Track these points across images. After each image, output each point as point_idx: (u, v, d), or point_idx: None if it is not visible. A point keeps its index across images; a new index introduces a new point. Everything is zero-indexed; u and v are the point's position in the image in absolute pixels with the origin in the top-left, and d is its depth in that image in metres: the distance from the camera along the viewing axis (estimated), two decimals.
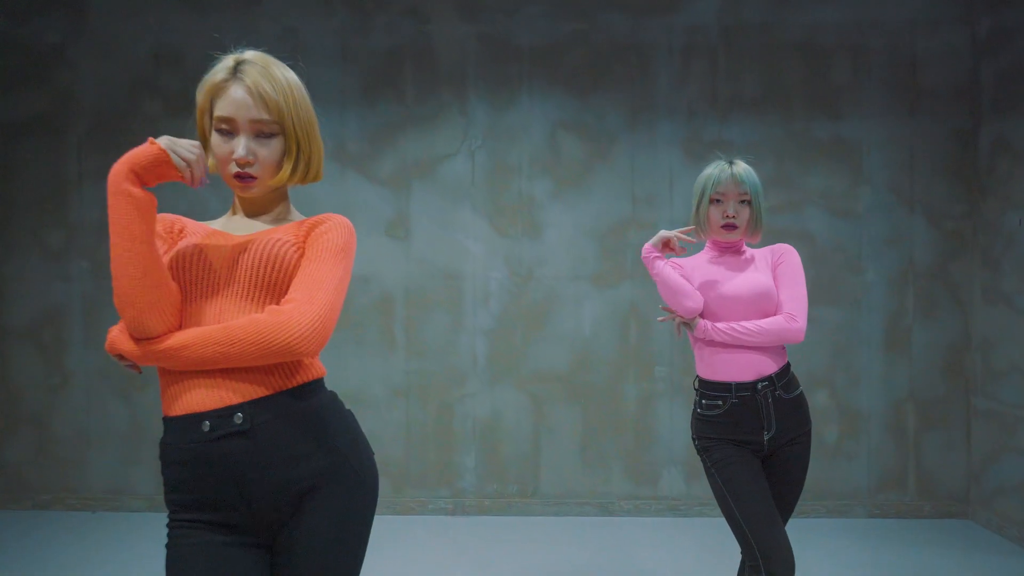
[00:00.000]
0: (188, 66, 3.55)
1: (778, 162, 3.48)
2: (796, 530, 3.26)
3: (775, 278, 1.93)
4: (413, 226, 3.53)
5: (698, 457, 1.97)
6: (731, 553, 2.71)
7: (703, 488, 3.43)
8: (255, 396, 1.11)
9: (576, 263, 3.52)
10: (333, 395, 1.23)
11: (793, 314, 1.87)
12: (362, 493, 1.19)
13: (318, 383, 1.20)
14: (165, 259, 1.16)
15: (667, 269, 1.90)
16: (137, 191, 1.06)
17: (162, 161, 1.07)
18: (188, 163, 1.10)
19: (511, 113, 3.53)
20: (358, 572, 1.21)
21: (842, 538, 3.20)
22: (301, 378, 1.16)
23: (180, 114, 3.53)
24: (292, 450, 1.12)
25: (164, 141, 1.09)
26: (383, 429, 3.48)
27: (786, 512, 1.94)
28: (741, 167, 1.91)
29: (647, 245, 1.93)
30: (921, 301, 3.48)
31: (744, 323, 1.85)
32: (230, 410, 1.09)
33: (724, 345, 1.87)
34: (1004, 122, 3.26)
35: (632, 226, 3.49)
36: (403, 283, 3.52)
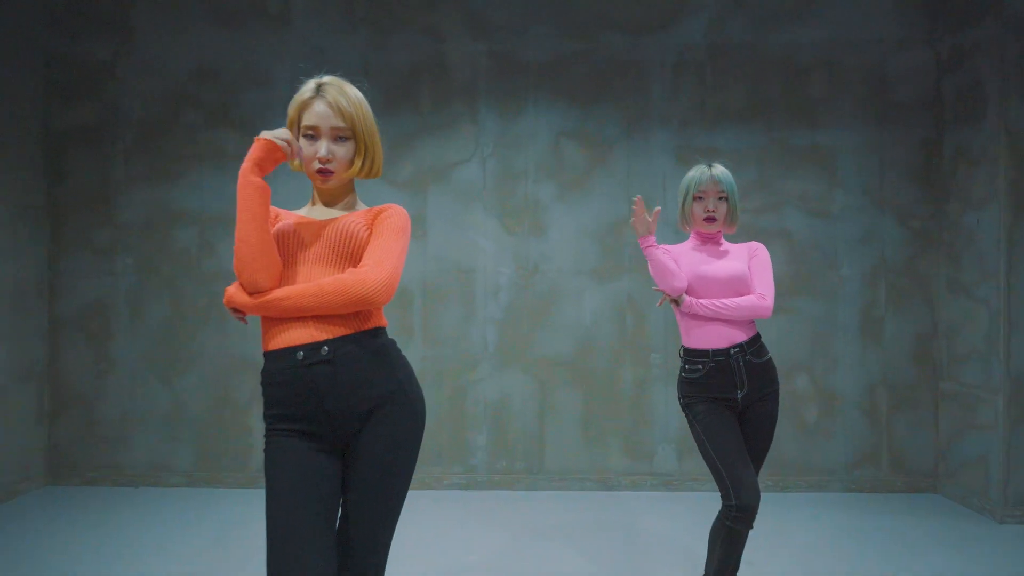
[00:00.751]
0: (225, 81, 3.89)
1: (760, 167, 3.83)
2: (778, 504, 3.58)
3: (749, 268, 2.28)
4: (429, 226, 3.87)
5: (690, 435, 2.32)
6: None
7: (694, 464, 3.75)
8: (337, 335, 1.45)
9: (577, 259, 3.86)
10: (393, 341, 1.58)
11: (763, 294, 2.23)
12: (414, 415, 1.53)
13: (383, 329, 1.54)
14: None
15: (660, 255, 2.25)
16: (259, 181, 1.42)
17: (272, 148, 1.44)
18: (287, 141, 1.47)
19: (518, 123, 3.88)
20: (410, 477, 1.54)
21: (821, 511, 3.49)
22: (372, 324, 1.51)
23: (218, 124, 3.88)
24: (363, 377, 1.46)
25: (265, 134, 1.45)
26: None
27: (758, 460, 2.28)
28: (719, 169, 2.27)
29: (640, 238, 2.28)
30: (892, 294, 3.82)
31: (723, 300, 2.20)
32: (318, 344, 1.44)
33: (703, 319, 2.22)
34: (963, 132, 3.61)
35: (629, 225, 3.82)
36: (420, 278, 3.85)
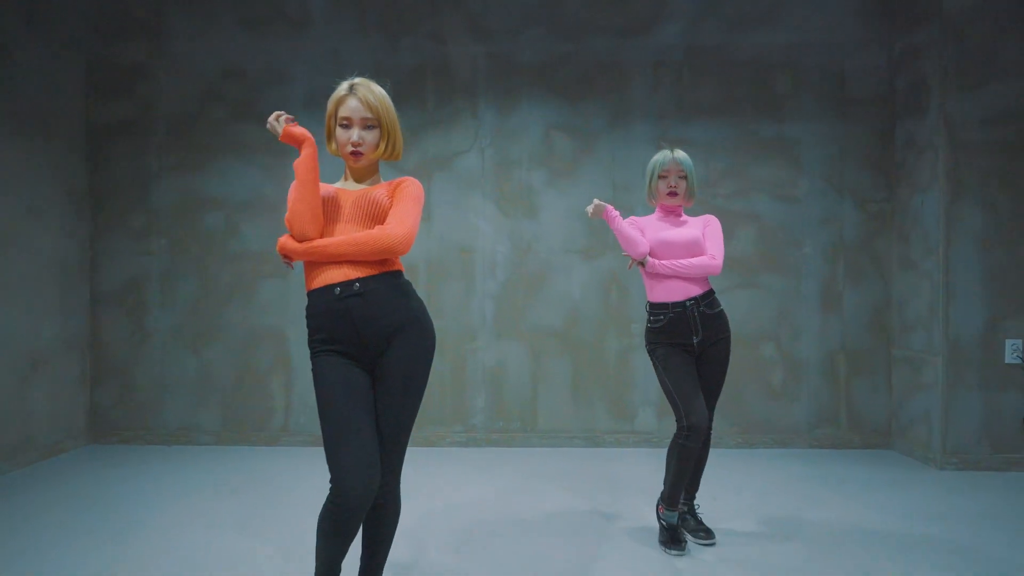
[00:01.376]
0: (249, 80, 4.30)
1: (731, 157, 4.24)
2: (746, 459, 3.98)
3: (704, 235, 2.71)
4: (433, 209, 4.28)
5: (667, 402, 2.74)
6: None
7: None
8: (366, 274, 1.86)
9: (567, 239, 4.27)
10: (409, 281, 1.98)
11: (714, 255, 2.65)
12: (427, 338, 1.94)
13: (401, 272, 1.95)
14: None
15: (623, 226, 2.67)
16: (311, 156, 1.84)
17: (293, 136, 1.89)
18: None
19: (513, 117, 4.29)
20: (424, 387, 1.95)
21: (786, 465, 3.85)
22: (393, 267, 1.92)
23: (242, 119, 4.29)
24: (386, 307, 1.87)
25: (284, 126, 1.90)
26: None
27: (713, 396, 2.70)
28: (679, 152, 2.70)
29: (606, 212, 2.69)
30: (849, 269, 4.23)
31: (680, 260, 2.62)
32: (352, 282, 1.85)
33: (664, 277, 2.64)
34: (911, 124, 4.03)
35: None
36: (425, 256, 4.26)
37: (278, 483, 3.50)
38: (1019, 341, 3.71)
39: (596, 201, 2.69)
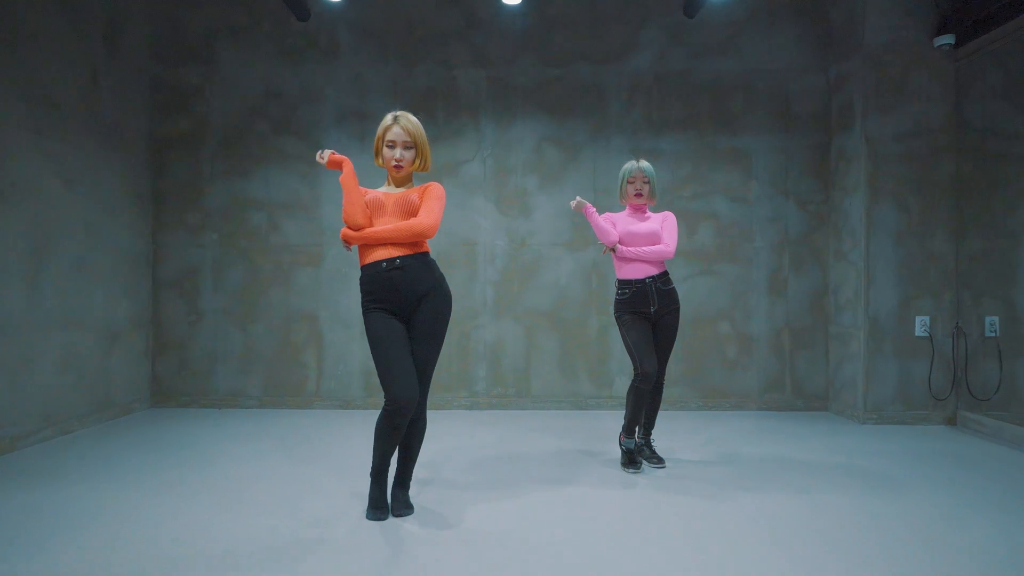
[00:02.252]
0: (287, 100, 5.08)
1: (694, 165, 5.02)
2: (706, 419, 4.75)
3: (662, 228, 3.48)
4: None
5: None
6: (660, 433, 4.18)
7: None
8: (405, 253, 2.64)
9: (555, 234, 5.06)
10: (434, 260, 2.76)
11: (668, 244, 3.42)
12: (446, 299, 2.71)
13: (428, 253, 2.71)
14: (365, 198, 2.70)
15: (598, 220, 3.45)
16: (351, 173, 2.61)
17: (336, 162, 2.66)
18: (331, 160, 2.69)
19: (510, 131, 5.07)
20: (444, 335, 2.72)
21: (740, 425, 4.59)
22: (423, 249, 2.69)
23: (281, 133, 5.07)
24: (418, 276, 2.65)
25: (332, 159, 2.66)
26: None
27: (664, 354, 3.46)
28: (644, 163, 3.48)
29: (585, 208, 3.46)
30: (793, 260, 5.02)
31: (643, 247, 3.40)
32: (394, 259, 2.63)
33: (629, 260, 3.42)
34: (842, 138, 4.82)
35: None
36: (435, 249, 5.03)
37: (314, 438, 4.28)
38: (927, 318, 4.49)
39: (578, 198, 3.46)
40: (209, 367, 5.06)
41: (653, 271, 3.41)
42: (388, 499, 2.71)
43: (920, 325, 4.49)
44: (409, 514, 2.69)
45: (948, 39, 4.37)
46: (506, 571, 2.17)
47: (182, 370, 5.07)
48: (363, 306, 2.69)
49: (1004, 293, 4.17)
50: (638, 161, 3.49)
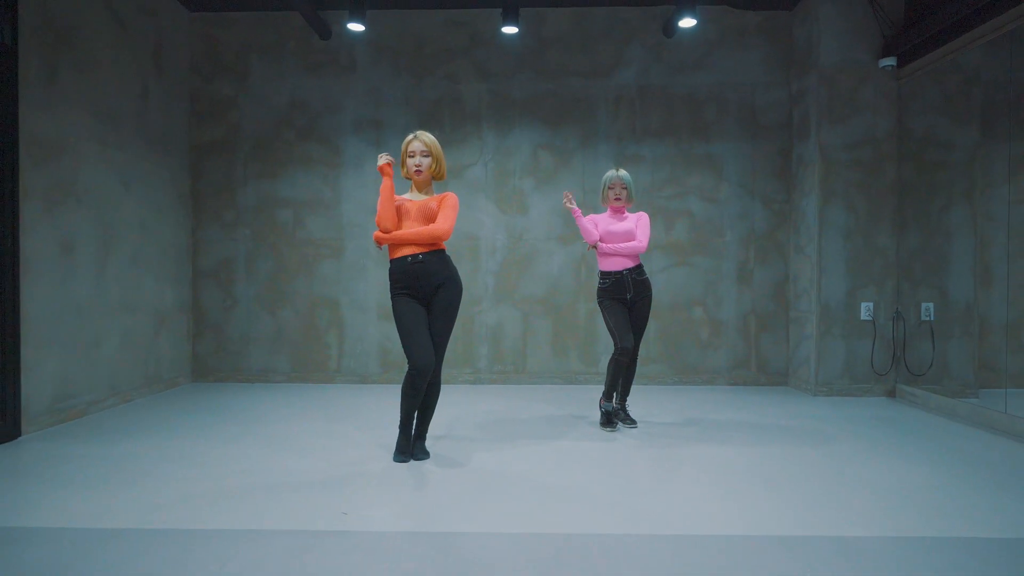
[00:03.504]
0: (311, 109, 5.72)
1: (672, 168, 5.67)
2: (680, 392, 5.43)
3: (636, 227, 4.12)
4: None
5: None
6: (637, 404, 4.85)
7: None
8: (425, 251, 3.28)
9: (549, 230, 5.71)
10: (449, 256, 3.40)
11: (641, 240, 4.06)
12: (459, 288, 3.35)
13: (444, 250, 3.35)
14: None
15: (582, 221, 4.10)
16: (389, 182, 3.27)
17: (385, 167, 3.29)
18: (388, 163, 3.31)
19: (509, 138, 5.72)
20: (455, 317, 3.36)
21: (710, 397, 5.27)
22: (440, 248, 3.34)
23: (306, 140, 5.71)
24: (436, 269, 3.29)
25: (382, 161, 3.30)
26: None
27: (639, 333, 4.10)
28: (622, 172, 4.11)
29: (573, 211, 4.11)
30: (759, 254, 5.68)
31: (620, 244, 4.05)
32: (417, 255, 3.27)
33: (609, 255, 4.06)
34: (801, 146, 5.47)
35: (583, 207, 5.68)
36: (447, 244, 5.68)
37: (334, 408, 4.95)
38: (871, 304, 5.16)
39: (568, 194, 4.05)
40: (243, 347, 5.72)
41: (629, 264, 4.05)
42: (410, 447, 3.38)
43: (865, 310, 5.16)
44: (426, 458, 3.37)
45: (891, 61, 5.01)
46: (506, 495, 2.85)
47: (219, 350, 5.73)
48: (391, 292, 3.33)
49: (938, 282, 4.83)
50: (617, 170, 4.12)
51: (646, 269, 4.21)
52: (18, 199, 3.75)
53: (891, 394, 5.17)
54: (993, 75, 4.38)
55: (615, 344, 3.99)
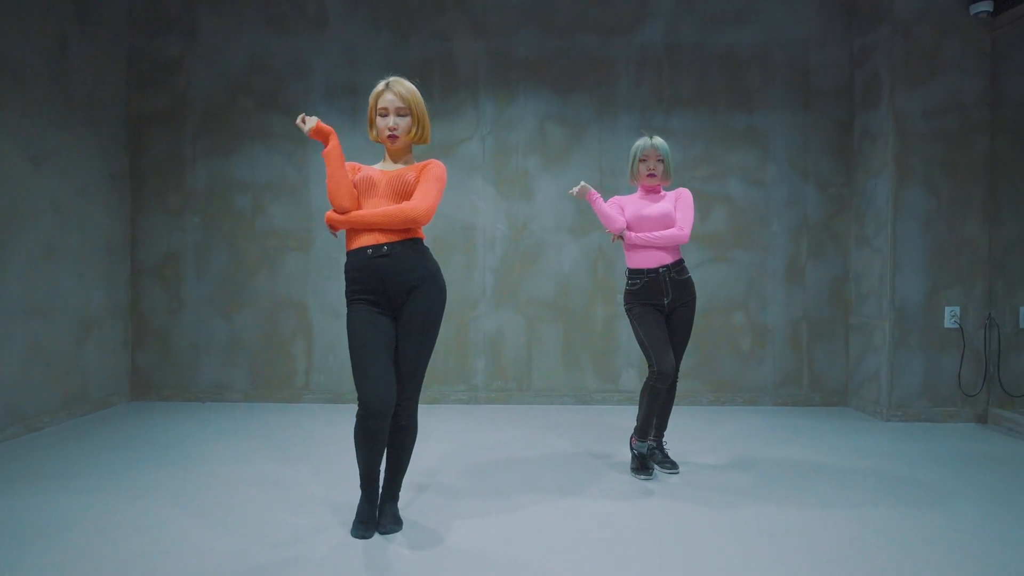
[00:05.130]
0: (273, 73, 4.75)
1: (707, 144, 4.71)
2: (718, 415, 4.47)
3: (675, 208, 3.16)
4: None
5: (645, 360, 3.19)
6: (671, 433, 3.89)
7: None
8: (394, 239, 2.34)
9: (558, 218, 4.75)
10: (427, 247, 2.45)
11: (682, 227, 3.11)
12: (440, 292, 2.42)
13: (422, 240, 2.42)
14: (355, 178, 2.38)
15: (602, 206, 3.14)
16: (335, 150, 2.29)
17: (319, 131, 2.31)
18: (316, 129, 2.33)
19: (511, 108, 4.75)
20: (437, 332, 2.43)
21: (752, 420, 4.32)
22: (415, 235, 2.39)
23: (267, 109, 4.75)
24: (408, 265, 2.35)
25: (310, 125, 2.31)
26: None
27: (680, 349, 3.17)
28: (657, 139, 3.15)
29: (589, 194, 3.15)
30: (812, 246, 4.72)
31: (653, 232, 3.09)
32: (381, 245, 2.33)
33: (640, 247, 3.11)
34: (866, 116, 4.50)
35: (600, 191, 4.70)
36: (431, 232, 4.72)
37: (301, 435, 4.00)
38: (957, 308, 4.20)
39: (582, 183, 3.16)
40: (192, 358, 4.79)
41: (667, 259, 3.11)
42: (375, 514, 2.43)
43: (950, 316, 4.20)
44: (397, 530, 2.42)
45: (986, 6, 4.03)
46: None
47: (163, 362, 4.79)
48: (347, 295, 2.41)
49: None
50: (651, 137, 3.17)
51: (688, 265, 3.24)
52: None
53: (982, 419, 4.21)
54: None
55: (650, 366, 3.06)
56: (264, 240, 4.77)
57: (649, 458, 3.18)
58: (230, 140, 4.76)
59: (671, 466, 3.19)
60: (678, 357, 3.18)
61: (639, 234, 3.10)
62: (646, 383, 3.07)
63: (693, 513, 2.63)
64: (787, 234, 4.71)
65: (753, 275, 4.71)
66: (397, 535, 2.39)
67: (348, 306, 2.39)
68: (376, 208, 2.35)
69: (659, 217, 3.11)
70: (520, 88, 4.74)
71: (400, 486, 2.52)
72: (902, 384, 4.23)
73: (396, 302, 2.37)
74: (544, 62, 4.73)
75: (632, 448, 3.18)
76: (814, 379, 4.72)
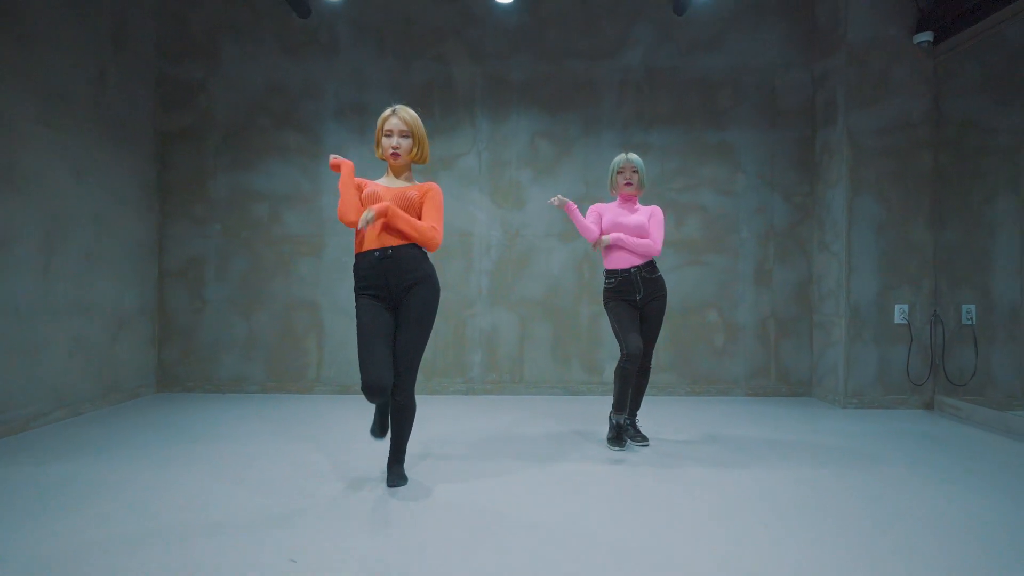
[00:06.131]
0: (289, 94, 5.23)
1: (683, 159, 5.18)
2: (693, 404, 4.91)
3: (649, 223, 3.59)
4: None
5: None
6: (647, 417, 4.32)
7: None
8: (397, 244, 2.77)
9: (548, 226, 5.21)
10: (425, 252, 2.89)
11: (655, 241, 3.55)
12: (435, 291, 2.82)
13: (419, 245, 2.84)
14: (363, 192, 2.82)
15: (580, 217, 3.58)
16: (349, 170, 2.74)
17: (337, 166, 2.78)
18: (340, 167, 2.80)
19: (505, 125, 5.23)
20: (431, 325, 2.81)
21: (725, 408, 4.76)
22: (414, 241, 2.82)
23: (283, 127, 5.23)
24: (408, 267, 2.76)
25: (336, 163, 2.78)
26: None
27: (651, 341, 3.58)
28: (632, 155, 3.61)
29: (567, 206, 3.59)
30: (778, 251, 5.17)
31: (632, 238, 3.53)
32: (387, 248, 2.76)
33: (616, 249, 3.55)
34: (826, 133, 4.97)
35: (586, 201, 5.18)
36: None
37: (312, 422, 4.44)
38: (906, 306, 4.65)
39: (560, 196, 3.61)
40: (213, 354, 5.22)
41: (637, 261, 3.55)
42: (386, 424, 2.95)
43: (899, 313, 4.65)
44: (403, 484, 2.86)
45: (927, 36, 4.52)
46: (488, 536, 2.34)
47: (187, 357, 5.23)
48: (355, 291, 2.83)
49: (980, 282, 4.33)
50: (627, 153, 3.64)
51: (665, 268, 3.68)
52: None
53: (929, 406, 4.65)
54: None
55: (621, 348, 3.51)
56: (279, 246, 5.23)
57: (623, 432, 3.61)
58: (249, 155, 5.22)
59: (642, 439, 3.63)
60: (650, 346, 3.62)
61: (618, 235, 3.54)
62: (618, 365, 3.49)
63: (654, 473, 3.08)
64: (755, 240, 5.16)
65: (725, 277, 5.17)
66: (401, 489, 2.83)
67: (356, 299, 2.82)
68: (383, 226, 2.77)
69: (635, 227, 3.56)
70: (513, 108, 5.21)
71: (404, 451, 2.95)
72: (857, 375, 4.67)
73: (397, 297, 2.78)
74: (535, 84, 5.21)
75: (610, 419, 3.62)
76: (781, 372, 5.16)
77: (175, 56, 5.23)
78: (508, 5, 5.12)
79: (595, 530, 2.38)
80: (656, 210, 3.65)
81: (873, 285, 4.67)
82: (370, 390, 2.66)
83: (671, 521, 2.48)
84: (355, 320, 2.82)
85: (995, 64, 4.23)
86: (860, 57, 4.67)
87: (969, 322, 4.40)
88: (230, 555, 2.14)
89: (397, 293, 2.77)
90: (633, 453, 3.49)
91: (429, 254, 2.99)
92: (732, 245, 5.16)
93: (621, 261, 3.56)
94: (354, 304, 2.86)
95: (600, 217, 3.64)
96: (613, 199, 3.73)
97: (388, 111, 2.87)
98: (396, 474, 2.88)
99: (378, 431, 3.01)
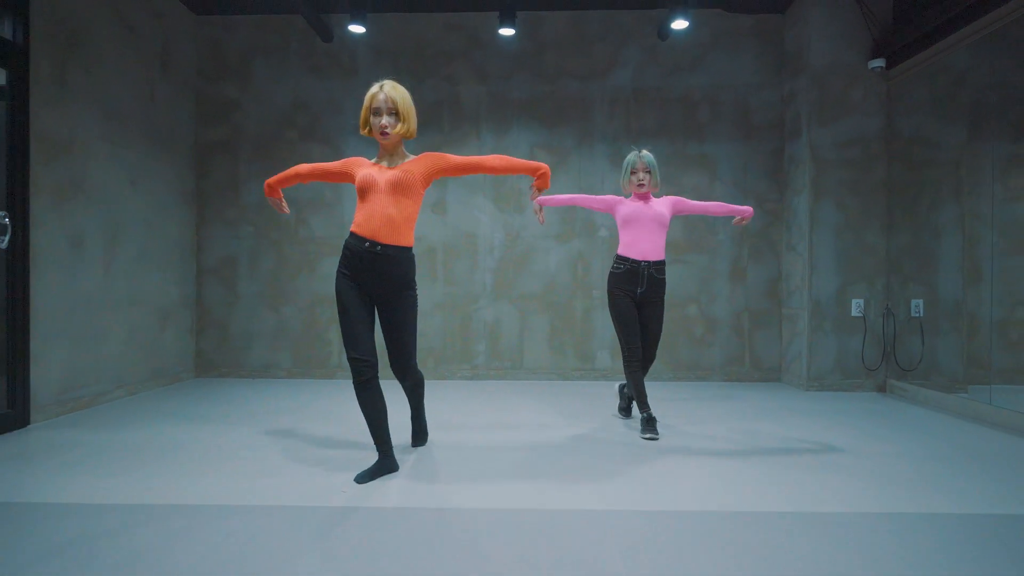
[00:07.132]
0: (313, 110, 5.84)
1: (666, 168, 5.77)
2: (679, 390, 5.52)
3: (672, 208, 3.70)
4: (448, 206, 5.82)
5: (617, 342, 4.07)
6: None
7: (620, 364, 5.68)
8: (388, 242, 2.90)
9: (546, 228, 5.81)
10: (414, 255, 3.20)
11: (710, 203, 3.89)
12: (414, 298, 3.09)
13: (410, 248, 2.95)
14: (358, 176, 2.88)
15: (557, 199, 3.77)
16: (274, 187, 3.19)
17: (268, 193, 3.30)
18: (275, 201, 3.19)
19: (507, 138, 5.83)
20: (413, 309, 2.98)
21: (703, 392, 5.37)
22: (406, 243, 3.00)
23: (308, 140, 5.83)
24: (390, 265, 2.80)
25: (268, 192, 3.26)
26: (431, 328, 5.77)
27: (653, 343, 3.81)
28: (645, 153, 3.64)
29: (540, 202, 3.86)
30: (752, 251, 5.77)
31: (722, 205, 3.91)
32: (376, 243, 2.96)
33: (633, 236, 3.65)
34: (792, 146, 5.57)
35: (580, 209, 5.78)
36: (442, 240, 5.80)
37: (331, 405, 5.05)
38: (861, 300, 5.25)
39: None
40: (245, 343, 5.83)
41: (651, 256, 3.60)
42: (386, 463, 2.93)
43: (856, 307, 5.24)
44: (423, 444, 3.47)
45: (880, 62, 5.11)
46: (498, 474, 2.95)
47: (222, 345, 5.84)
48: (338, 269, 2.84)
49: (928, 279, 4.92)
50: (639, 152, 3.62)
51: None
52: (28, 195, 3.86)
53: (882, 389, 5.25)
54: (979, 76, 4.48)
55: (623, 348, 3.68)
56: (305, 246, 5.83)
57: (652, 423, 3.64)
58: (277, 164, 5.82)
59: (652, 433, 3.82)
60: (651, 348, 3.73)
61: (562, 196, 3.76)
62: (625, 364, 3.76)
63: (632, 438, 3.68)
64: (731, 241, 5.76)
65: (704, 275, 5.76)
66: (421, 448, 3.44)
67: (338, 278, 2.81)
68: (380, 204, 2.76)
69: (653, 218, 3.58)
70: (514, 122, 5.81)
71: (425, 424, 3.47)
72: (818, 361, 5.27)
73: (375, 292, 2.82)
74: (534, 102, 5.81)
75: (623, 390, 4.15)
76: (754, 359, 5.76)
77: (212, 76, 5.84)
78: (510, 35, 5.73)
79: (591, 470, 2.98)
80: (673, 198, 3.71)
81: (833, 282, 5.27)
82: (356, 363, 2.73)
83: (643, 465, 3.08)
84: (335, 291, 2.83)
85: (941, 87, 4.82)
86: (822, 79, 5.26)
87: (917, 315, 4.99)
88: (291, 488, 2.74)
89: (375, 288, 2.79)
90: (616, 422, 4.09)
91: (442, 256, 3.44)
92: (710, 246, 5.75)
93: (636, 251, 3.60)
94: (336, 278, 2.88)
95: (613, 206, 3.71)
96: (627, 196, 3.70)
97: (376, 87, 2.76)
98: (419, 434, 3.48)
99: (385, 463, 2.92)
